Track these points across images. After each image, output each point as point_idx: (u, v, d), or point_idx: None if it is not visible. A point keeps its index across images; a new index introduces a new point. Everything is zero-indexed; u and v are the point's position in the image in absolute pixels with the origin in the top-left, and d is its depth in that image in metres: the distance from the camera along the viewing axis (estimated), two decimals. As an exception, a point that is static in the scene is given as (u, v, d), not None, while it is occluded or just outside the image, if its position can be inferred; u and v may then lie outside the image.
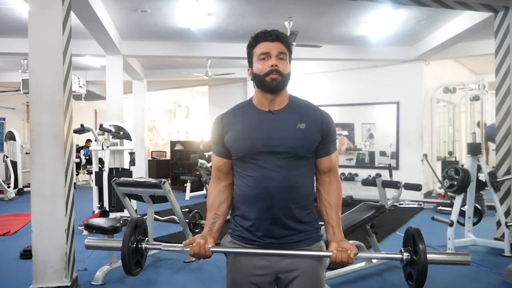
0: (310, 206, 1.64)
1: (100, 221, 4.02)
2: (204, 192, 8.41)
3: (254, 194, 1.58)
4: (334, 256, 1.52)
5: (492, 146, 7.70)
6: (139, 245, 1.58)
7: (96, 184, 6.14)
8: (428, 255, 1.46)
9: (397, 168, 8.23)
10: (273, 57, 1.56)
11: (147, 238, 1.63)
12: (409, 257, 1.52)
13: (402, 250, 1.56)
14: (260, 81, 1.58)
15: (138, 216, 1.70)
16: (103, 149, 6.13)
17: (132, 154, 6.42)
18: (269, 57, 1.56)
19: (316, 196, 1.69)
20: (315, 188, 1.70)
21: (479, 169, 4.78)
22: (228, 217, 1.71)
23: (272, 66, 1.55)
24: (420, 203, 7.60)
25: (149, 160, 11.45)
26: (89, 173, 10.29)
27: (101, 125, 6.00)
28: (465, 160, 5.30)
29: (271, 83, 1.55)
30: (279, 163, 1.55)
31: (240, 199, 1.63)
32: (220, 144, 1.65)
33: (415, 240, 1.51)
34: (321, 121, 1.61)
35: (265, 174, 1.56)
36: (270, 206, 1.56)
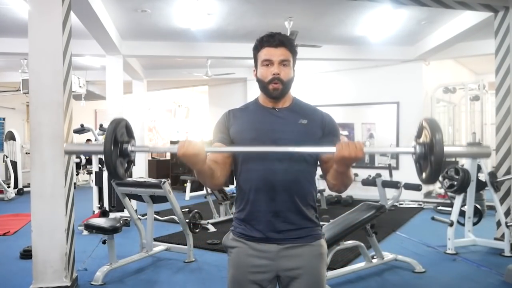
0: (312, 203, 1.66)
1: (100, 221, 4.02)
2: (204, 192, 8.40)
3: (256, 187, 1.60)
4: (339, 148, 1.38)
5: None
6: (124, 147, 1.44)
7: (96, 184, 6.14)
8: (444, 148, 1.29)
9: (397, 168, 8.21)
10: (276, 64, 1.60)
11: (133, 140, 1.49)
12: (423, 150, 1.34)
13: (415, 143, 1.39)
14: (263, 87, 1.65)
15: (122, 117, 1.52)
16: (103, 149, 6.12)
17: (132, 154, 6.42)
18: (272, 64, 1.61)
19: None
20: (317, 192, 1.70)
21: (479, 169, 4.78)
22: (230, 216, 1.72)
23: (274, 74, 1.60)
24: (420, 203, 7.60)
25: (149, 160, 11.44)
26: (89, 173, 10.29)
27: (101, 125, 6.01)
28: (465, 160, 5.30)
29: (273, 93, 1.62)
30: (281, 156, 1.59)
31: (242, 193, 1.65)
32: (225, 132, 1.66)
33: (431, 130, 1.33)
34: (322, 118, 1.66)
35: (267, 166, 1.59)
36: (272, 198, 1.59)
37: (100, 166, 6.56)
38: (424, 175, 1.39)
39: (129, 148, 1.45)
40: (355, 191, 8.19)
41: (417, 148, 1.37)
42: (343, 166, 1.47)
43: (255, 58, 1.68)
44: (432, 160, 1.32)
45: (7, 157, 9.49)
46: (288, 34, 5.84)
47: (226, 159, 1.64)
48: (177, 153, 1.40)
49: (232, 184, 1.87)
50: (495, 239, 4.82)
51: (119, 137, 1.43)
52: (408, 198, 7.52)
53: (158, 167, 11.36)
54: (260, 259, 1.61)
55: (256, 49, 1.66)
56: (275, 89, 1.61)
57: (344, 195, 7.91)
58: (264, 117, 1.65)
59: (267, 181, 1.59)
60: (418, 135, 1.42)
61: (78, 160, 10.14)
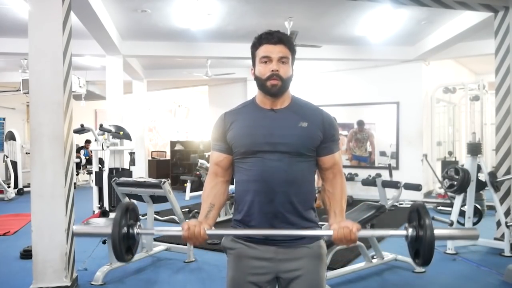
0: (310, 203, 1.64)
1: (100, 221, 4.02)
2: (204, 192, 8.41)
3: (255, 188, 1.59)
4: (335, 233, 1.47)
5: None
6: (131, 230, 1.49)
7: (96, 184, 6.14)
8: (434, 231, 1.39)
9: (397, 168, 8.22)
10: (274, 61, 1.58)
11: (138, 223, 1.54)
12: (415, 233, 1.43)
13: (407, 226, 1.48)
14: (261, 84, 1.61)
15: (129, 201, 1.63)
16: (103, 149, 6.13)
17: (132, 154, 6.43)
18: (270, 61, 1.58)
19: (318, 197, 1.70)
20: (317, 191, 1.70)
21: (479, 169, 4.78)
22: (230, 216, 1.72)
23: (272, 70, 1.57)
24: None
25: (149, 160, 11.44)
26: (89, 173, 10.29)
27: (101, 125, 6.01)
28: (465, 160, 5.30)
29: (271, 89, 1.59)
30: (280, 158, 1.57)
31: (241, 194, 1.64)
32: (222, 139, 1.65)
33: (420, 215, 1.43)
34: (322, 120, 1.63)
35: (265, 168, 1.57)
36: (271, 199, 1.57)
37: (100, 166, 6.56)
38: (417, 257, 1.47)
39: (135, 231, 1.51)
40: (355, 191, 8.23)
41: (409, 231, 1.46)
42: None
43: (253, 56, 1.65)
44: (424, 243, 1.41)
45: (7, 157, 9.49)
46: (288, 34, 5.84)
47: (229, 164, 1.67)
48: (183, 235, 1.51)
49: (232, 184, 1.87)
50: (495, 239, 4.82)
51: (126, 221, 1.49)
52: (408, 198, 7.51)
53: (158, 167, 11.37)
54: (259, 261, 1.60)
55: (255, 47, 1.64)
56: (273, 85, 1.57)
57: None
58: (261, 120, 1.61)
59: (265, 182, 1.57)
60: (410, 219, 1.50)
61: (78, 160, 10.15)
